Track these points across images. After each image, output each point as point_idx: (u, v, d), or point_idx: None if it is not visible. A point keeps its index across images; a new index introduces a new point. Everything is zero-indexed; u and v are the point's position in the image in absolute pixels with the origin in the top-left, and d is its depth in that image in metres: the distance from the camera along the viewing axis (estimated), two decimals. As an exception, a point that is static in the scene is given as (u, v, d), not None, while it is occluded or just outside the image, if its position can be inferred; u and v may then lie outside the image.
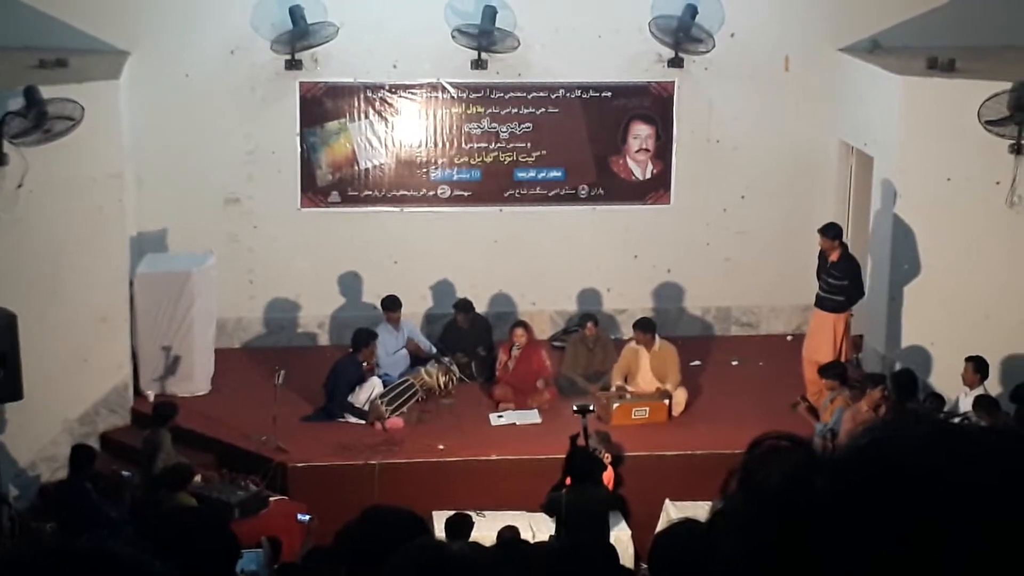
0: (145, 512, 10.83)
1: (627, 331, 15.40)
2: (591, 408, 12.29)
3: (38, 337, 12.37)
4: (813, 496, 1.00)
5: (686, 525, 4.02)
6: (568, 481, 10.80)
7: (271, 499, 12.31)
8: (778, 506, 1.01)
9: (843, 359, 13.72)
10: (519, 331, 14.46)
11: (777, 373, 14.78)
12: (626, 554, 11.22)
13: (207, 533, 3.74)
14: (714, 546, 1.06)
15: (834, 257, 13.80)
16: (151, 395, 14.10)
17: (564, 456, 11.17)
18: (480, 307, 15.42)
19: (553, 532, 10.65)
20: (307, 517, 11.08)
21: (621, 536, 11.79)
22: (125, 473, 12.57)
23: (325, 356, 14.81)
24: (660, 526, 10.39)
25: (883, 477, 0.99)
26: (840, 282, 13.78)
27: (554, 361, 14.65)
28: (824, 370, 13.09)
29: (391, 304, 14.77)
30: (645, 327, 14.24)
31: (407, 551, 1.98)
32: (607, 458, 12.28)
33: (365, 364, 14.07)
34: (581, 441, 11.55)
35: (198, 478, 11.98)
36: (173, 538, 3.62)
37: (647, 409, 13.79)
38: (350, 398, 13.82)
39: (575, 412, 12.04)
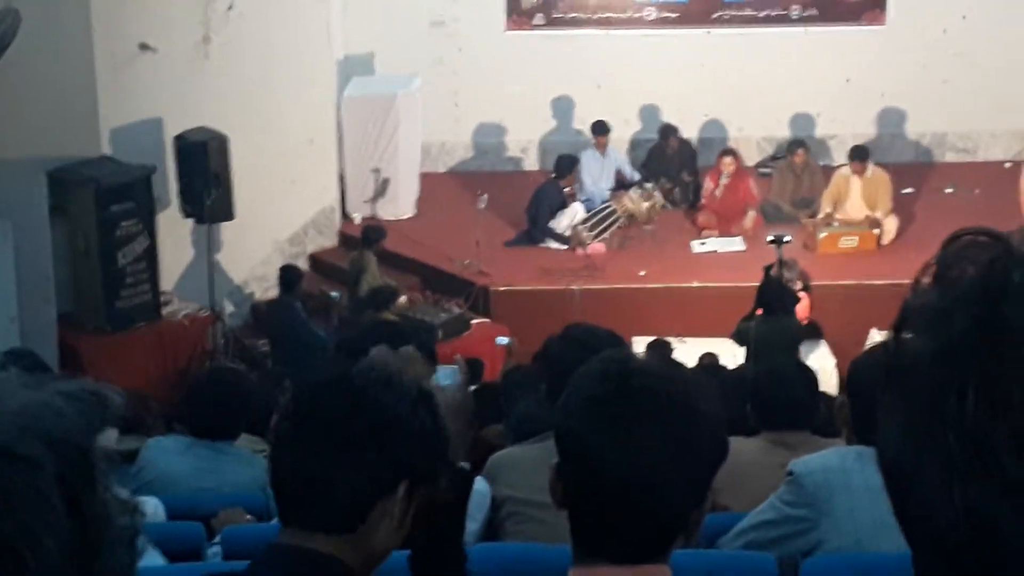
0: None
1: (838, 157, 15.04)
2: (787, 238, 12.09)
3: (248, 159, 12.64)
4: (1011, 288, 0.93)
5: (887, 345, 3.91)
6: (760, 311, 10.72)
7: (473, 322, 12.52)
8: (973, 300, 0.94)
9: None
10: (728, 159, 14.20)
11: (994, 201, 14.24)
12: (830, 382, 11.10)
13: (402, 343, 3.80)
14: (903, 344, 1.00)
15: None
16: (358, 217, 14.35)
17: (760, 285, 11.06)
18: (686, 132, 15.18)
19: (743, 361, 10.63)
20: (507, 340, 11.23)
21: (825, 365, 11.68)
22: (333, 294, 12.90)
23: (529, 181, 14.83)
24: (865, 355, 10.25)
25: None
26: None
27: (760, 188, 14.42)
28: (1044, 198, 12.62)
29: (599, 129, 14.61)
30: (859, 155, 13.86)
31: (593, 361, 1.97)
32: (798, 285, 12.09)
33: (567, 190, 14.08)
34: (775, 272, 11.43)
35: (403, 300, 12.22)
36: (370, 347, 3.69)
37: (856, 238, 13.51)
38: (552, 223, 13.86)
39: (769, 243, 11.88)
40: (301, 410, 2.15)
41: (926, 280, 1.01)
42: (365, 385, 2.12)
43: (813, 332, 11.97)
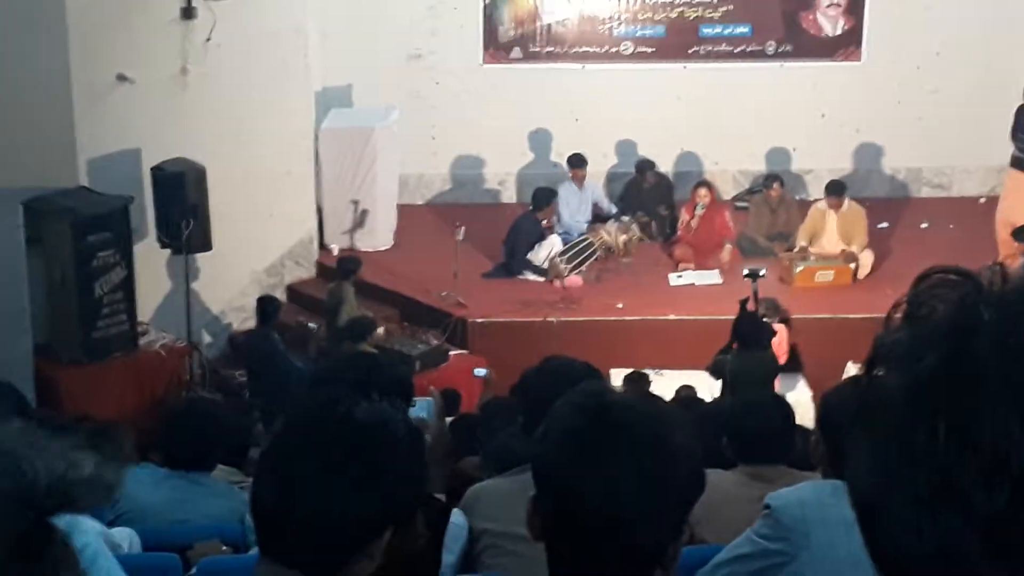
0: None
1: (814, 192, 15.12)
2: (762, 272, 12.13)
3: (226, 190, 12.61)
4: (981, 326, 0.94)
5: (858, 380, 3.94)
6: (735, 345, 10.75)
7: (451, 353, 12.51)
8: (944, 337, 0.96)
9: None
10: (702, 191, 14.27)
11: (968, 236, 14.34)
12: (806, 416, 11.11)
13: (380, 374, 3.80)
14: (874, 380, 1.02)
15: (1036, 115, 13.43)
16: (335, 249, 14.34)
17: (735, 319, 11.08)
18: (662, 166, 15.25)
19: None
20: (484, 371, 11.22)
21: (801, 398, 11.71)
22: (311, 325, 12.87)
23: (507, 213, 14.83)
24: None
25: None
26: (1041, 141, 13.44)
27: (737, 222, 14.48)
28: (1019, 232, 12.69)
29: (577, 161, 14.67)
30: (835, 190, 13.92)
31: (570, 394, 1.97)
32: (776, 324, 12.10)
33: (545, 222, 14.11)
34: (751, 306, 11.46)
35: (380, 331, 12.20)
36: (348, 379, 3.68)
37: (831, 272, 13.56)
38: (529, 255, 13.88)
39: (745, 276, 11.91)
40: (293, 441, 2.11)
41: (897, 317, 1.03)
42: (366, 425, 2.09)
43: (791, 365, 12.00)
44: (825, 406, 3.96)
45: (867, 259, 13.70)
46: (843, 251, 13.74)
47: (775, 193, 14.40)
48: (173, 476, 5.29)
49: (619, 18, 15.42)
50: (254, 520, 2.13)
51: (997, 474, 0.91)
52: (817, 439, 4.07)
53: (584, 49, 15.51)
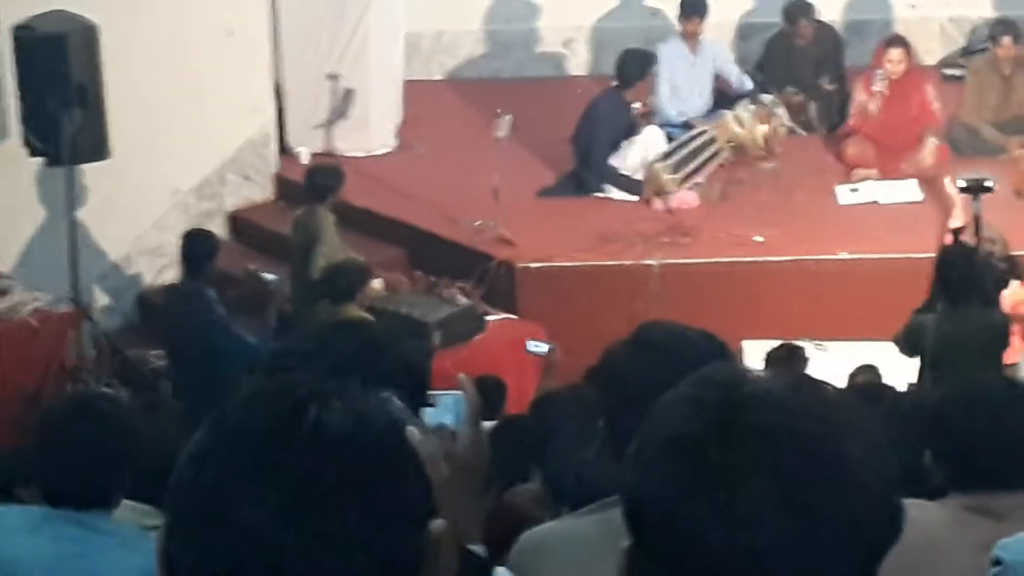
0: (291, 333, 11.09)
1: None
2: (989, 183, 12.04)
3: (130, 63, 12.63)
4: None
5: None
6: (943, 301, 10.73)
7: (489, 318, 12.56)
8: None
9: None
10: (894, 52, 14.22)
11: None
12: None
13: (378, 362, 3.84)
14: None
15: None
16: (305, 154, 14.44)
17: (938, 258, 11.06)
18: (826, 12, 15.23)
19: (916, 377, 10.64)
20: (544, 347, 11.26)
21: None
22: (268, 276, 12.91)
23: (578, 93, 14.89)
24: None
25: None
26: None
27: (946, 101, 14.45)
28: None
29: (691, 7, 14.68)
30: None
31: (684, 384, 2.03)
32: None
33: (639, 106, 14.10)
34: (970, 237, 11.41)
35: (377, 284, 12.25)
36: (324, 362, 3.69)
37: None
38: (613, 159, 13.91)
39: (962, 191, 11.85)
40: (229, 470, 2.06)
41: None
42: (349, 440, 2.06)
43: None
44: None
45: None
46: None
47: (1007, 52, 14.35)
48: (55, 518, 5.35)
49: None
50: None
51: None
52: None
53: None
